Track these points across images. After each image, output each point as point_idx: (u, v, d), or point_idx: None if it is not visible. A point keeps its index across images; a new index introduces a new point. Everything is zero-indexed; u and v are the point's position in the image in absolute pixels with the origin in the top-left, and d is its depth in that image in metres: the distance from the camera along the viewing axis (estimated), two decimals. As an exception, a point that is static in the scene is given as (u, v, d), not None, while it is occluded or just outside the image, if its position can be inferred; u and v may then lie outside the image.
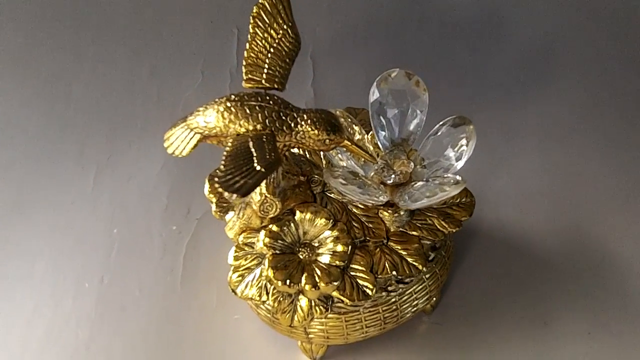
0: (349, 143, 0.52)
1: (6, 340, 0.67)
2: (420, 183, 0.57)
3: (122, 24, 0.95)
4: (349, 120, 0.61)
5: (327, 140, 0.51)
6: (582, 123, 0.83)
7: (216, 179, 0.43)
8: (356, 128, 0.61)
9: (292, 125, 0.51)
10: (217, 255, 0.71)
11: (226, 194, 0.42)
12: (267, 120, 0.50)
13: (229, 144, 0.49)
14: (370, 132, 0.62)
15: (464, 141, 0.58)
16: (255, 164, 0.45)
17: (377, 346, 0.64)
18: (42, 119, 0.87)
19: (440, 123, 0.59)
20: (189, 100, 0.89)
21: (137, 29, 0.95)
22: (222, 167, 0.45)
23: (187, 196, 0.78)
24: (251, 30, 0.55)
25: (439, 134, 0.59)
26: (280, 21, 0.55)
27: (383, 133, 0.61)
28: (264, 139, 0.48)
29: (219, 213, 0.61)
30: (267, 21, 0.55)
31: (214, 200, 0.61)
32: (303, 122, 0.51)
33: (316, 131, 0.51)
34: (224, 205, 0.61)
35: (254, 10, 0.55)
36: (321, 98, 0.89)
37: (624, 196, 0.76)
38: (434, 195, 0.54)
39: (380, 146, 0.61)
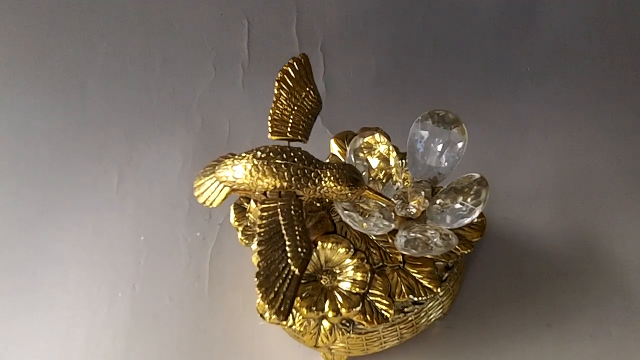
0: (369, 192, 0.55)
1: (49, 348, 0.71)
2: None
3: (132, 19, 0.95)
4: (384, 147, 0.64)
5: (349, 194, 0.55)
6: (588, 115, 0.86)
7: (257, 281, 0.48)
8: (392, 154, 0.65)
9: (316, 181, 0.54)
10: (241, 262, 0.76)
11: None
12: (292, 178, 0.53)
13: (260, 214, 0.53)
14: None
15: (475, 201, 0.60)
16: (290, 262, 0.48)
17: (394, 351, 0.69)
18: (59, 118, 0.90)
19: (467, 175, 0.62)
20: (204, 96, 0.91)
21: (147, 24, 0.95)
22: (258, 258, 0.50)
23: (208, 199, 0.81)
24: (276, 92, 0.58)
25: (462, 187, 0.62)
26: (303, 84, 0.57)
27: (416, 165, 0.64)
28: (293, 212, 0.52)
29: (244, 241, 0.64)
30: (291, 84, 0.58)
31: (240, 229, 0.64)
32: (326, 179, 0.54)
33: (339, 187, 0.54)
34: (249, 233, 0.64)
35: (279, 76, 0.58)
36: (332, 91, 0.91)
37: (633, 195, 0.79)
38: (417, 249, 0.58)
39: (411, 176, 0.64)
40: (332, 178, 0.54)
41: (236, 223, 0.65)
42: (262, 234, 0.51)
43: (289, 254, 0.49)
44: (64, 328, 0.73)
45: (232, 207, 0.66)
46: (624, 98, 0.87)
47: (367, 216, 0.61)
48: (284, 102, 0.58)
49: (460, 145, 0.63)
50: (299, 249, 0.49)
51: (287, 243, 0.50)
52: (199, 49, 0.94)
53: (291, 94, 0.58)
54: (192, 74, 0.92)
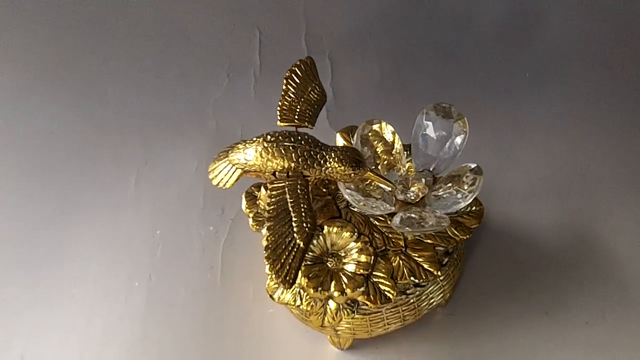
0: (371, 174, 0.60)
1: (69, 338, 0.75)
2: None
3: (149, 29, 1.00)
4: (385, 134, 0.68)
5: (352, 175, 0.59)
6: (587, 119, 0.89)
7: (265, 254, 0.52)
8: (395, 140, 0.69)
9: (322, 162, 0.58)
10: (251, 253, 0.79)
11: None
12: (300, 159, 0.58)
13: (269, 193, 0.57)
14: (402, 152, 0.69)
15: (471, 187, 0.64)
16: (295, 235, 0.53)
17: (397, 335, 0.72)
18: (81, 123, 0.94)
19: (463, 165, 0.66)
20: (218, 102, 0.95)
21: (164, 34, 1.00)
22: (267, 233, 0.54)
23: (221, 197, 0.85)
24: (284, 87, 0.63)
25: (459, 175, 0.66)
26: (309, 81, 0.63)
27: (419, 155, 0.68)
28: (299, 191, 0.56)
29: (255, 226, 0.68)
30: (298, 81, 0.63)
31: (251, 215, 0.68)
32: (331, 160, 0.58)
33: (343, 167, 0.58)
34: (260, 219, 0.68)
35: (287, 74, 0.64)
36: (339, 96, 0.95)
37: (627, 191, 0.82)
38: (411, 227, 0.62)
39: (414, 165, 0.68)
40: (336, 159, 0.58)
41: (247, 210, 0.69)
42: (270, 211, 0.55)
43: (294, 229, 0.53)
44: (84, 317, 0.76)
45: (243, 195, 0.70)
46: (618, 100, 0.91)
47: (368, 197, 0.64)
48: (292, 95, 0.63)
49: (461, 137, 0.67)
50: (304, 224, 0.54)
51: (294, 219, 0.54)
52: (213, 58, 0.99)
53: (298, 89, 0.63)
54: (207, 82, 0.97)
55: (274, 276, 0.52)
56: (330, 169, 0.58)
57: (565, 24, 0.98)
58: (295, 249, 0.53)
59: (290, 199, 0.56)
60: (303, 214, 0.54)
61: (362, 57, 0.98)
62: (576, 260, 0.77)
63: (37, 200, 0.87)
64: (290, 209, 0.55)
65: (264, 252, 0.53)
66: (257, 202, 0.69)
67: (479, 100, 0.92)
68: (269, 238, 0.53)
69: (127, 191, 0.87)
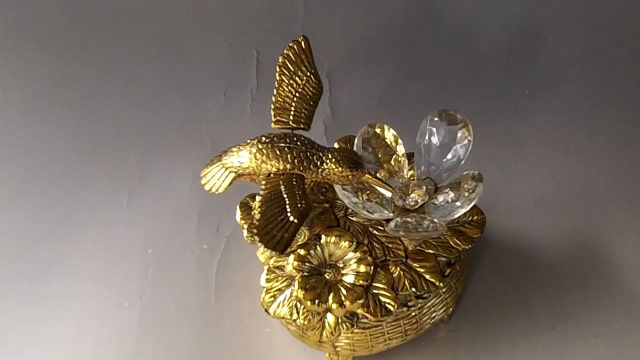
0: (370, 177, 0.57)
1: (56, 357, 0.72)
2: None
3: (147, 47, 1.00)
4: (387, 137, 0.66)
5: (350, 176, 0.56)
6: (587, 131, 0.88)
7: (255, 231, 0.48)
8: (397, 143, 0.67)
9: (318, 163, 0.56)
10: (246, 272, 0.77)
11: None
12: (295, 160, 0.55)
13: (262, 186, 0.54)
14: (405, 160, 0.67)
15: (471, 195, 0.61)
16: (289, 214, 0.50)
17: (399, 353, 0.69)
18: (75, 141, 0.93)
19: (464, 173, 0.63)
20: (214, 120, 0.94)
21: (162, 52, 1.00)
22: (257, 215, 0.50)
23: (216, 214, 0.83)
24: (277, 78, 0.60)
25: (460, 182, 0.63)
26: (304, 69, 0.60)
27: (421, 162, 0.66)
28: (294, 182, 0.53)
29: (250, 238, 0.66)
30: (292, 69, 0.60)
31: (246, 226, 0.66)
32: (328, 161, 0.56)
33: (340, 169, 0.56)
34: (255, 231, 0.66)
35: (280, 60, 0.60)
36: (338, 114, 0.94)
37: (630, 202, 0.80)
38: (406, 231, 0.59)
39: (416, 171, 0.66)
40: (333, 160, 0.56)
41: (242, 221, 0.66)
42: (262, 200, 0.52)
43: (288, 208, 0.50)
44: (72, 336, 0.73)
45: (237, 206, 0.68)
46: (618, 114, 0.90)
47: (365, 199, 0.62)
48: (286, 89, 0.60)
49: (465, 145, 0.65)
50: (299, 205, 0.51)
51: (287, 202, 0.51)
52: (210, 76, 0.98)
53: (292, 80, 0.60)
54: (204, 100, 0.96)
55: (262, 247, 0.48)
56: (327, 170, 0.56)
57: (565, 41, 0.98)
58: (287, 225, 0.49)
59: (284, 189, 0.53)
60: (298, 197, 0.52)
61: (361, 75, 0.97)
62: (582, 272, 0.74)
63: (29, 217, 0.85)
64: (284, 195, 0.52)
65: (254, 229, 0.49)
66: (252, 213, 0.67)
67: (480, 116, 0.90)
68: (258, 218, 0.50)
69: (120, 209, 0.85)
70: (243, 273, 0.77)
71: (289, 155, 0.56)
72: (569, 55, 0.96)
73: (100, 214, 0.85)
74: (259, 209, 0.51)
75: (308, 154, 0.56)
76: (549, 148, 0.87)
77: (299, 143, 0.56)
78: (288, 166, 0.55)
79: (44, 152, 0.92)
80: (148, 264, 0.79)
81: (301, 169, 0.55)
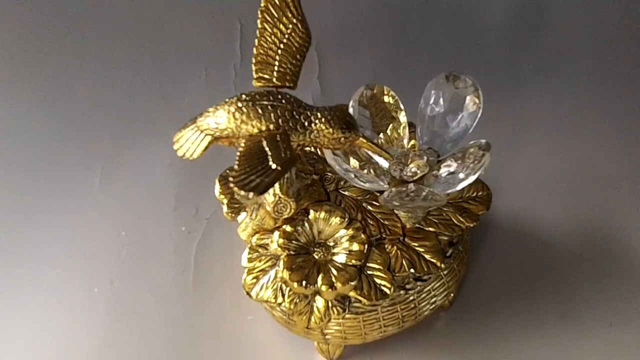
0: (364, 141, 0.51)
1: (18, 348, 0.65)
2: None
3: (122, 20, 0.93)
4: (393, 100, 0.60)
5: (342, 139, 0.50)
6: (593, 110, 0.83)
7: (231, 179, 0.41)
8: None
9: (306, 124, 0.49)
10: (228, 255, 0.71)
11: (241, 193, 0.41)
12: (280, 120, 0.49)
13: (242, 144, 0.48)
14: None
15: (476, 165, 0.55)
16: (271, 163, 0.43)
17: (394, 343, 0.63)
18: (44, 120, 0.86)
19: (471, 142, 0.57)
20: (193, 97, 0.88)
21: (137, 24, 0.93)
22: (236, 166, 0.44)
23: (195, 196, 0.77)
24: (260, 26, 0.53)
25: (464, 152, 0.57)
26: (290, 15, 0.53)
27: (424, 131, 0.60)
28: (278, 138, 0.47)
29: (230, 214, 0.59)
30: (276, 15, 0.53)
31: (225, 201, 0.60)
32: (317, 121, 0.49)
33: (331, 130, 0.49)
34: (236, 206, 0.60)
35: (262, 4, 0.54)
36: (328, 91, 0.88)
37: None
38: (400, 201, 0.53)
39: (418, 141, 0.59)
40: (323, 120, 0.49)
41: (221, 196, 0.60)
42: (242, 152, 0.45)
43: (270, 158, 0.44)
44: (35, 326, 0.67)
45: (217, 180, 0.61)
46: (630, 92, 0.84)
47: (356, 167, 0.56)
48: (269, 39, 0.53)
49: (473, 112, 0.59)
50: (282, 154, 0.44)
51: (269, 153, 0.44)
52: (190, 50, 0.91)
53: (276, 28, 0.53)
54: (183, 75, 0.89)
55: (239, 189, 0.41)
56: (315, 132, 0.49)
57: (571, 16, 0.92)
58: (269, 171, 0.43)
59: (267, 144, 0.46)
60: (282, 149, 0.45)
61: (353, 51, 0.91)
62: (593, 257, 0.68)
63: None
64: (267, 148, 0.45)
65: (231, 178, 0.42)
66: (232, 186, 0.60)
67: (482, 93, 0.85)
68: (237, 170, 0.43)
69: (92, 189, 0.78)
70: (224, 257, 0.71)
71: (272, 115, 0.49)
72: (575, 33, 0.91)
73: (70, 196, 0.78)
74: (237, 162, 0.44)
75: (294, 113, 0.49)
76: (555, 126, 0.81)
77: (284, 101, 0.50)
78: (271, 126, 0.49)
79: (10, 132, 0.85)
80: (120, 247, 0.73)
81: (286, 129, 0.49)
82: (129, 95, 0.88)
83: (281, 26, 0.53)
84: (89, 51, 0.92)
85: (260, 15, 0.54)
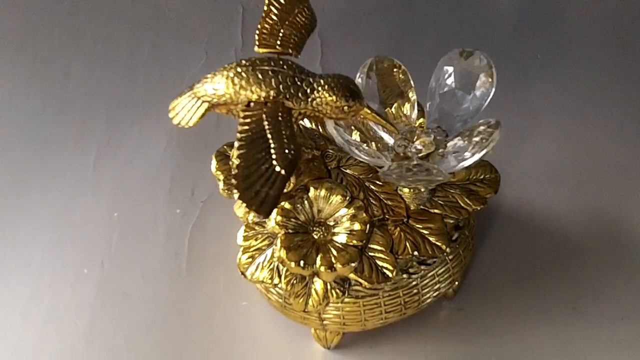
0: (368, 111, 0.48)
1: (3, 330, 0.63)
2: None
3: (121, 1, 0.91)
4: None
5: (346, 108, 0.47)
6: (603, 99, 0.80)
7: (234, 182, 0.41)
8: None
9: (308, 91, 0.47)
10: (223, 239, 0.68)
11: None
12: (280, 86, 0.46)
13: (241, 119, 0.45)
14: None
15: (484, 142, 0.53)
16: (274, 162, 0.41)
17: (395, 333, 0.60)
18: (39, 101, 0.84)
19: (481, 121, 0.54)
20: (193, 81, 0.84)
21: (137, 6, 0.91)
22: (236, 160, 0.42)
23: (191, 178, 0.74)
24: (265, 8, 0.52)
25: (472, 130, 0.55)
26: (297, 1, 0.51)
27: (433, 109, 0.57)
28: (280, 117, 0.44)
29: (226, 191, 0.57)
30: (283, 1, 0.51)
31: (222, 177, 0.57)
32: (320, 88, 0.47)
33: (334, 97, 0.47)
34: (232, 183, 0.57)
35: None
36: (331, 77, 0.85)
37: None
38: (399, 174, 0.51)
39: (426, 119, 0.57)
40: (326, 87, 0.47)
41: (217, 172, 0.58)
42: (242, 139, 0.43)
43: (273, 155, 0.42)
44: (22, 308, 0.64)
45: (214, 156, 0.59)
46: (635, 80, 0.81)
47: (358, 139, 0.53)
48: (274, 18, 0.51)
49: (486, 91, 0.56)
50: (286, 151, 0.42)
51: (272, 145, 0.42)
52: (190, 34, 0.89)
53: (283, 11, 0.51)
54: (182, 58, 0.87)
55: (244, 206, 0.40)
56: (318, 99, 0.47)
57: (582, 3, 0.89)
58: (273, 177, 0.41)
59: (268, 125, 0.44)
60: (285, 140, 0.42)
61: (356, 36, 0.89)
62: (603, 248, 0.66)
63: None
64: (269, 135, 0.43)
65: (233, 180, 0.41)
66: (230, 163, 0.57)
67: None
68: (238, 166, 0.41)
69: (85, 171, 0.76)
70: (219, 241, 0.68)
71: (273, 80, 0.46)
72: (585, 20, 0.88)
73: (63, 177, 0.76)
74: (238, 152, 0.42)
75: (296, 79, 0.47)
76: (563, 115, 0.78)
77: (285, 67, 0.47)
78: (272, 93, 0.46)
79: (4, 112, 0.83)
80: (113, 228, 0.70)
81: (287, 96, 0.46)
82: (127, 78, 0.86)
83: (288, 9, 0.51)
84: (87, 33, 0.91)
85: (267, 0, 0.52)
